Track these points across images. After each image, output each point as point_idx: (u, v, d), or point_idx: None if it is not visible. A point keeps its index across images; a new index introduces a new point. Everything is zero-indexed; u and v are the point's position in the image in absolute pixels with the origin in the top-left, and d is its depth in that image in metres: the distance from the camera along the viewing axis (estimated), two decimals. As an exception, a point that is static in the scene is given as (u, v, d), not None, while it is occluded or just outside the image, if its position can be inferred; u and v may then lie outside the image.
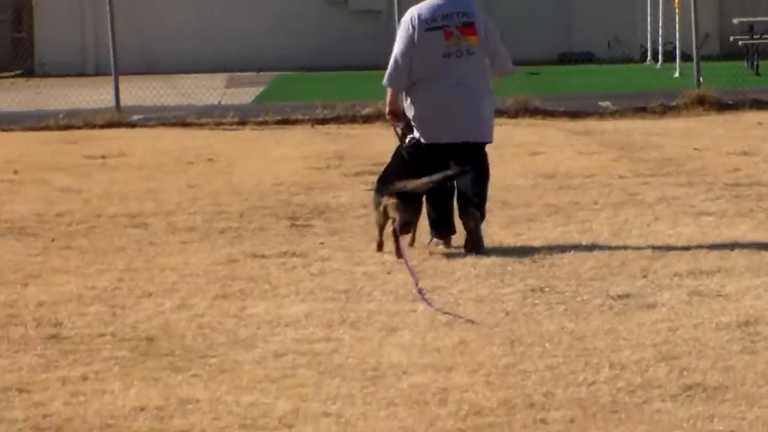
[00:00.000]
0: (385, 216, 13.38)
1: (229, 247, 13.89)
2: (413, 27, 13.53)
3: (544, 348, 9.48)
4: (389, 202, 13.25)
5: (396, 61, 13.58)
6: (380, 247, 13.49)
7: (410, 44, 13.45)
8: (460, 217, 13.55)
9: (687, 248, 12.76)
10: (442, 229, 13.69)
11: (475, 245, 13.15)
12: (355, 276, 12.28)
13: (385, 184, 13.48)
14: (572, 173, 18.82)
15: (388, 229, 13.24)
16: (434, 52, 13.35)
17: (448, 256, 13.16)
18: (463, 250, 12.95)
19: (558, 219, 14.91)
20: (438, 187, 13.41)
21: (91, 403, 8.01)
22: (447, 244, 13.46)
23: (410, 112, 13.66)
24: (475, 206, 13.46)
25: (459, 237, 13.82)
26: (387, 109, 14.06)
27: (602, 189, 17.08)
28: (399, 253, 12.45)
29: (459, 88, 13.64)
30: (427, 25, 13.45)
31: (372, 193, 14.01)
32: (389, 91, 13.73)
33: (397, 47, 13.71)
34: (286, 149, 22.62)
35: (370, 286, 11.84)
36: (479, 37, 13.38)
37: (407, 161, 13.42)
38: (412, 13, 13.68)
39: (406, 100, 13.82)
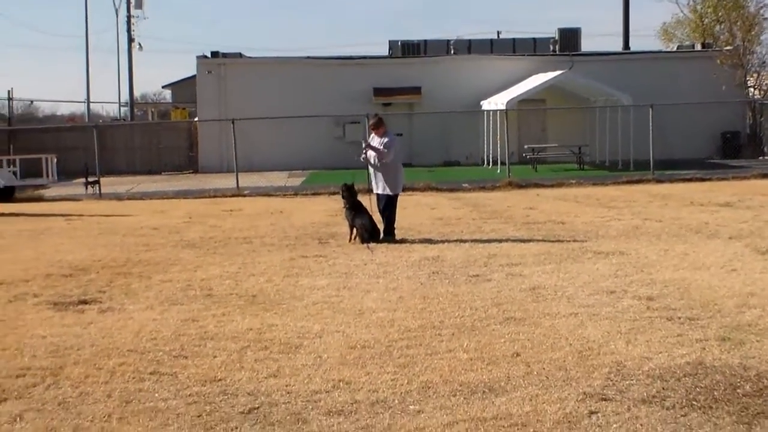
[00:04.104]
0: (352, 227, 16.49)
1: (290, 252, 15.29)
2: (396, 141, 16.98)
3: (438, 300, 10.72)
4: (356, 223, 16.32)
5: (395, 151, 16.90)
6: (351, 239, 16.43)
7: (399, 146, 16.98)
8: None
9: (507, 253, 14.38)
10: (378, 235, 16.59)
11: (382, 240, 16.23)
12: (350, 266, 13.54)
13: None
14: (450, 218, 20.54)
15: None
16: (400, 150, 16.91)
17: (393, 255, 14.63)
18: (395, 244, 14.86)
19: (444, 237, 16.64)
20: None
21: (227, 325, 9.67)
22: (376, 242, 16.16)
23: (396, 176, 16.96)
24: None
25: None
26: (384, 157, 16.84)
27: (465, 225, 18.90)
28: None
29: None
30: (398, 140, 16.94)
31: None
32: (389, 156, 16.86)
33: (394, 148, 16.94)
34: (316, 207, 25.02)
35: (357, 271, 13.09)
36: None
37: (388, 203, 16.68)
38: (393, 135, 17.21)
39: (394, 172, 17.06)
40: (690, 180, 30.95)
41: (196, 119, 47.25)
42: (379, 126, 17.03)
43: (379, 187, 17.05)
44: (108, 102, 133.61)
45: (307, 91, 43.74)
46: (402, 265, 13.58)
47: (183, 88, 61.46)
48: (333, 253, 15.14)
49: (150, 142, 46.91)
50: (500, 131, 36.24)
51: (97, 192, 32.34)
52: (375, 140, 17.03)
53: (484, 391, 7.27)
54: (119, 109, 73.20)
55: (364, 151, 17.04)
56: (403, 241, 16.42)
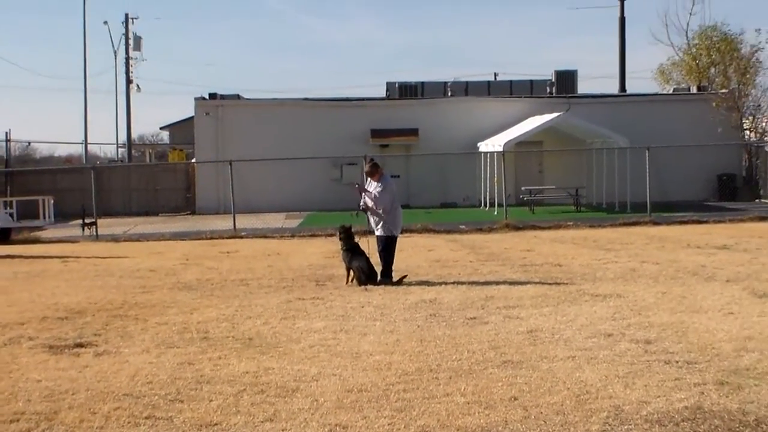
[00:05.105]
0: (349, 269, 16.53)
1: (287, 295, 15.32)
2: (394, 184, 16.99)
3: (436, 343, 10.73)
4: (353, 265, 16.32)
5: (390, 197, 16.89)
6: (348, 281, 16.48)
7: (395, 188, 16.93)
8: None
9: (505, 296, 14.40)
10: (375, 277, 16.60)
11: (380, 282, 16.19)
12: (347, 309, 13.59)
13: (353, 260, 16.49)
14: (447, 259, 20.56)
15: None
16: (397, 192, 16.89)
17: (390, 297, 14.64)
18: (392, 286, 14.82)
19: (441, 280, 16.61)
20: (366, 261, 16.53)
21: (224, 368, 9.62)
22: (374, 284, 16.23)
23: (395, 218, 16.89)
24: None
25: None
26: (379, 210, 16.83)
27: (462, 267, 18.97)
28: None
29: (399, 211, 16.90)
30: (394, 182, 17.01)
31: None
32: (381, 206, 16.78)
33: (390, 195, 16.92)
34: (313, 249, 25.05)
35: (354, 313, 13.14)
36: None
37: (387, 245, 16.78)
38: (389, 178, 17.21)
39: (393, 214, 16.97)
40: (687, 222, 30.97)
41: (193, 161, 47.43)
42: (374, 172, 16.97)
43: (378, 228, 17.01)
44: (105, 143, 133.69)
45: (305, 133, 43.97)
46: (399, 308, 13.57)
47: (181, 129, 61.59)
48: (330, 296, 15.14)
49: (147, 183, 47.06)
50: (497, 173, 36.47)
51: (94, 233, 32.24)
52: (371, 185, 16.94)
53: (481, 436, 6.92)
54: (117, 151, 73.27)
55: (362, 201, 17.18)
56: (400, 283, 16.37)
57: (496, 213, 35.83)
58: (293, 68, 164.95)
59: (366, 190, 16.94)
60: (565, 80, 48.27)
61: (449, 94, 47.25)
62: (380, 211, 16.70)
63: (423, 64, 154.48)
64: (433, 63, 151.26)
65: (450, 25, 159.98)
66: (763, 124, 45.94)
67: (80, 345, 11.23)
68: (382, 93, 48.72)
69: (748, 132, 46.44)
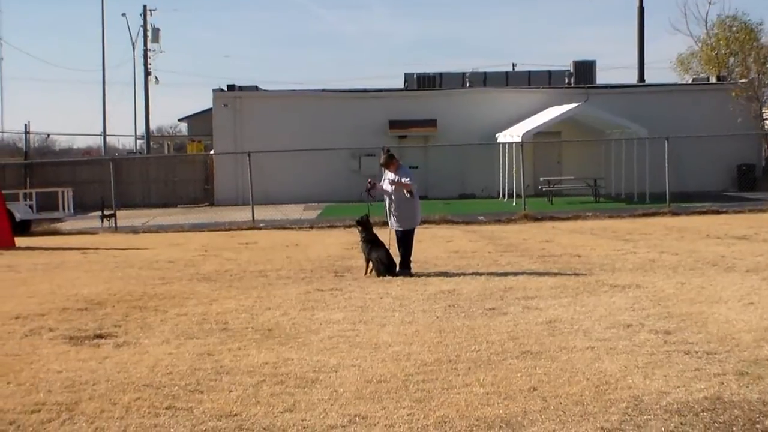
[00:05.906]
0: (368, 260, 16.54)
1: (306, 286, 15.35)
2: (412, 173, 16.97)
3: (454, 333, 10.72)
4: (372, 256, 16.35)
5: (414, 182, 16.76)
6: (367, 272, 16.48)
7: (415, 178, 16.70)
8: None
9: (523, 286, 14.38)
10: (394, 268, 16.61)
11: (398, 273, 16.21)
12: (365, 300, 13.61)
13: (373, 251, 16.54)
14: (466, 250, 20.56)
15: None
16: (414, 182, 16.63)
17: (409, 288, 14.65)
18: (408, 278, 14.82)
19: (460, 271, 16.60)
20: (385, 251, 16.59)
21: (243, 359, 9.64)
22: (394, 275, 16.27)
23: (413, 209, 16.98)
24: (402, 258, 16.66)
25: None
26: (405, 187, 16.77)
27: (481, 258, 18.93)
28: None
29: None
30: (412, 172, 16.91)
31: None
32: (414, 185, 16.78)
33: (412, 179, 16.83)
34: (332, 240, 25.18)
35: (372, 304, 13.14)
36: None
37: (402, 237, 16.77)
38: (407, 168, 17.20)
39: (416, 204, 17.05)
40: (706, 213, 30.85)
41: (212, 152, 47.54)
42: (390, 163, 16.90)
43: (397, 220, 16.97)
44: (124, 135, 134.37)
45: (323, 124, 43.96)
46: (418, 299, 13.57)
47: (199, 121, 61.72)
48: (349, 287, 15.12)
49: (166, 175, 47.29)
50: (516, 164, 36.39)
51: (113, 225, 32.39)
52: (389, 176, 16.91)
53: (500, 426, 7.20)
54: (135, 142, 73.50)
55: (368, 187, 17.30)
56: (418, 274, 16.38)
57: (514, 204, 35.89)
58: (306, 59, 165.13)
59: (376, 184, 17.09)
60: (584, 70, 48.22)
61: (467, 85, 47.13)
62: (410, 189, 16.75)
63: (438, 55, 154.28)
64: (450, 54, 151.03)
65: (466, 15, 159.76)
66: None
67: (100, 336, 11.27)
68: (396, 84, 48.73)
69: (767, 122, 46.13)
